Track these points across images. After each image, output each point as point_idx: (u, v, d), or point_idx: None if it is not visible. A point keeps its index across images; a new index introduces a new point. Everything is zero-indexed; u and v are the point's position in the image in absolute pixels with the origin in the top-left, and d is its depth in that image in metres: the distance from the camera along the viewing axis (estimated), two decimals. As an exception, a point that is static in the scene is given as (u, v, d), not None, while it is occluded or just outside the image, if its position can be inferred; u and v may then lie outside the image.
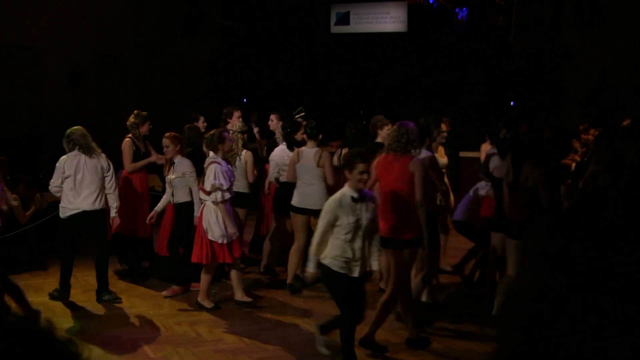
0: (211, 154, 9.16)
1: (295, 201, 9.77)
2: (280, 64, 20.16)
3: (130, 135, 10.82)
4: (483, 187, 9.74)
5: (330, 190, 9.00)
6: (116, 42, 18.12)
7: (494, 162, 9.20)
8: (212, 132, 9.33)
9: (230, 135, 9.58)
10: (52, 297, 9.35)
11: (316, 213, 8.19)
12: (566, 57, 17.12)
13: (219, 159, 8.96)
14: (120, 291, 9.79)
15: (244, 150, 10.60)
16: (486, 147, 11.33)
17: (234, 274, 9.21)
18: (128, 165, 10.74)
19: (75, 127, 9.78)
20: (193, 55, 19.69)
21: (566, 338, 0.81)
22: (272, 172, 10.47)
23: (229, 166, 9.15)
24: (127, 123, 10.86)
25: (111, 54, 18.27)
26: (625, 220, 0.74)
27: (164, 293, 9.57)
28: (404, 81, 19.29)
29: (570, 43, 17.20)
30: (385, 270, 7.88)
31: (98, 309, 8.98)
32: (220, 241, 8.82)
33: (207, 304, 9.01)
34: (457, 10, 18.50)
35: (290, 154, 10.10)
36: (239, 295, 9.15)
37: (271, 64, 20.06)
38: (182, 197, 9.62)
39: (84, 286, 10.04)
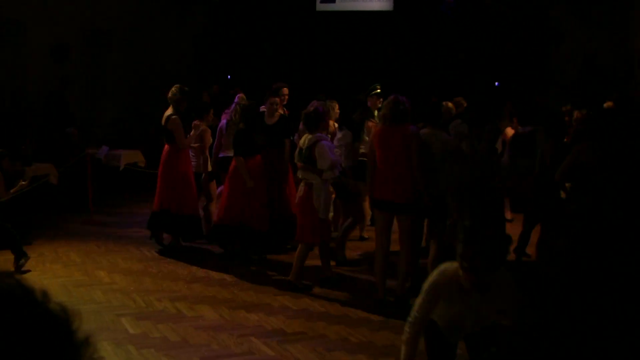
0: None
1: None
2: (265, 40, 20.07)
3: (174, 111, 10.54)
4: None
5: None
6: (102, 16, 17.98)
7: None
8: (310, 109, 9.18)
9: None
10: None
11: None
12: (553, 39, 17.13)
13: (324, 136, 8.98)
14: (102, 267, 9.80)
15: None
16: (511, 132, 11.40)
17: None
18: (183, 141, 10.53)
19: None
20: (179, 31, 19.60)
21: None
22: None
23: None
24: (172, 97, 10.57)
25: (97, 28, 18.13)
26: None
27: None
28: (389, 61, 19.24)
29: (557, 25, 17.19)
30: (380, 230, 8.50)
31: (78, 284, 8.96)
32: (331, 219, 8.97)
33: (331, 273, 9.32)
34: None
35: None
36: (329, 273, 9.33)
37: (257, 40, 19.97)
38: None
39: (65, 262, 10.04)
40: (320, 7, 20.02)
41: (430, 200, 8.24)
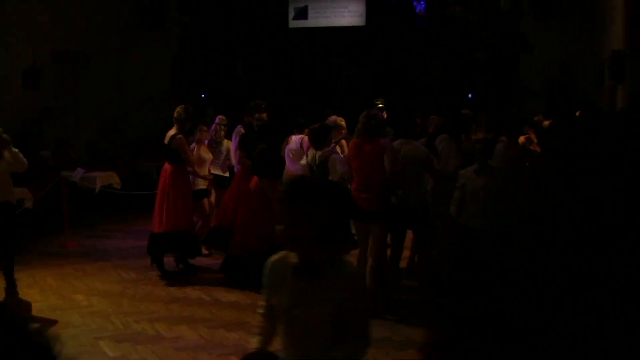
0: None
1: None
2: (238, 59, 20.07)
3: (178, 130, 10.61)
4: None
5: None
6: (74, 38, 17.90)
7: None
8: (316, 125, 9.51)
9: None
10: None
11: None
12: (524, 48, 17.24)
13: (333, 149, 9.33)
14: (79, 290, 9.72)
15: (225, 139, 11.90)
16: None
17: None
18: (190, 159, 10.75)
19: None
20: (153, 52, 19.57)
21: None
22: None
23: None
24: (178, 117, 10.63)
25: (71, 50, 18.03)
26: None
27: None
28: (363, 75, 19.28)
29: (528, 35, 17.31)
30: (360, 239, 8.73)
31: (55, 308, 8.89)
32: None
33: None
34: (415, 3, 18.57)
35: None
36: None
37: (230, 59, 19.97)
38: None
39: (42, 286, 9.95)
40: (293, 23, 20.08)
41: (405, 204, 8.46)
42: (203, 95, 18.39)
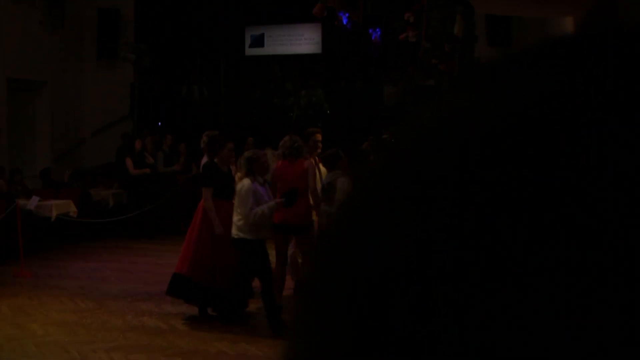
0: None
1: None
2: (194, 86, 20.10)
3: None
4: None
5: None
6: (29, 67, 17.82)
7: None
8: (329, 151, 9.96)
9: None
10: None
11: None
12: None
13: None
14: (35, 320, 9.63)
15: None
16: None
17: None
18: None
19: None
20: (109, 79, 19.56)
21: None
22: None
23: None
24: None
25: (24, 78, 17.94)
26: None
27: None
28: (318, 102, 19.33)
29: (481, 60, 17.57)
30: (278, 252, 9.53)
31: (10, 338, 8.80)
32: None
33: None
34: (370, 31, 18.77)
35: None
36: None
37: (186, 86, 19.99)
38: None
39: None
40: (250, 51, 20.20)
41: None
42: (160, 123, 18.38)
